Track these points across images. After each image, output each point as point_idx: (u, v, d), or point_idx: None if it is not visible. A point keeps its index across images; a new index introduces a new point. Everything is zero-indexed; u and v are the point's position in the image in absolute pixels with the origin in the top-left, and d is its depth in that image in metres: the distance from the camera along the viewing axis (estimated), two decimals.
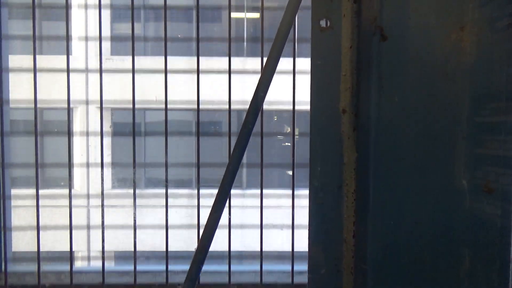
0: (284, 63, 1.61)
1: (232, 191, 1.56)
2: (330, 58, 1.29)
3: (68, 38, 2.06)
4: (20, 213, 4.39)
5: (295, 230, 2.05)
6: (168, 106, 1.96)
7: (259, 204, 2.03)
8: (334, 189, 1.30)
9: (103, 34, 2.06)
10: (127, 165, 8.73)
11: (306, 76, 1.38)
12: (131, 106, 1.98)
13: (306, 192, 1.34)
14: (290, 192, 2.11)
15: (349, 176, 1.28)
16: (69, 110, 2.04)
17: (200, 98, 1.99)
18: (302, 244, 1.51)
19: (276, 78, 1.42)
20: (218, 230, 1.45)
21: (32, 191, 2.11)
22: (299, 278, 2.03)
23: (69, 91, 2.02)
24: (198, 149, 1.99)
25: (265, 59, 1.44)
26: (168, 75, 1.95)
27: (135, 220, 2.08)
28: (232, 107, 2.02)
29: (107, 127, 8.81)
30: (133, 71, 1.96)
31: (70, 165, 2.09)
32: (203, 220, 1.52)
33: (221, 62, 7.58)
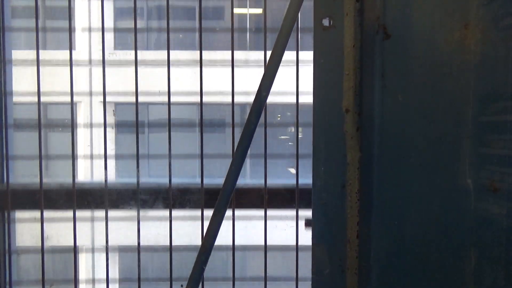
0: (288, 54, 1.60)
1: None
2: (332, 57, 1.27)
3: (70, 30, 2.05)
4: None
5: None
6: (173, 99, 1.94)
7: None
8: (337, 189, 1.29)
9: (106, 29, 2.06)
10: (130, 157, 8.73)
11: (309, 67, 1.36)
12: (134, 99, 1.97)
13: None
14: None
15: (352, 176, 1.27)
16: (72, 106, 2.04)
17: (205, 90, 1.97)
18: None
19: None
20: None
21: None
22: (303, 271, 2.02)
23: (72, 83, 2.01)
24: (201, 142, 1.98)
25: (268, 53, 1.42)
26: (173, 68, 1.94)
27: (138, 218, 2.08)
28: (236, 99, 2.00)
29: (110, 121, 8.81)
30: (136, 66, 1.95)
31: (73, 157, 2.09)
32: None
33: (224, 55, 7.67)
